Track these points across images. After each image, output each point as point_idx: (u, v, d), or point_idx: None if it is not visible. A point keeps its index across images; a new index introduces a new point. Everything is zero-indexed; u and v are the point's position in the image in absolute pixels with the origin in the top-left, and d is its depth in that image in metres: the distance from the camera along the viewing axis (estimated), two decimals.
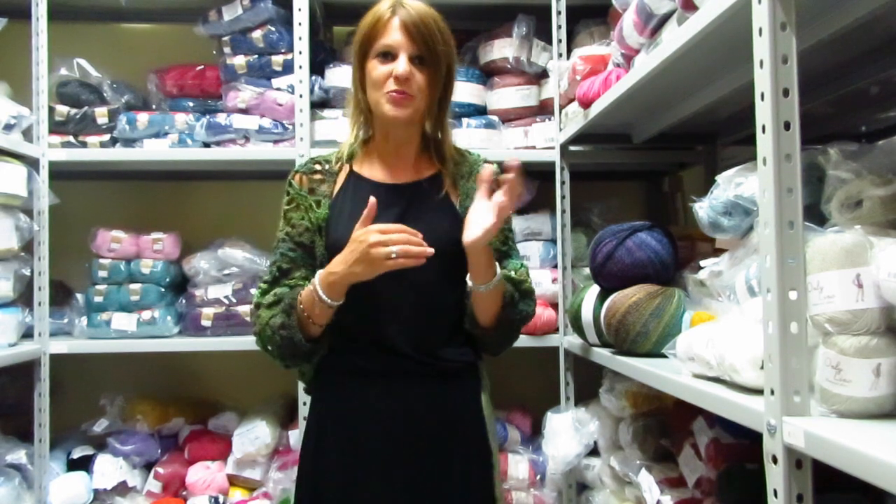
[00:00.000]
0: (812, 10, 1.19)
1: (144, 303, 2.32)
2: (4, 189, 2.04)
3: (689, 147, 2.44)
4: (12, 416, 2.33)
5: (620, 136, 2.32)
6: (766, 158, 0.95)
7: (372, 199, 1.34)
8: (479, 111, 2.42)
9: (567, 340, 2.20)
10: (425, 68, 1.44)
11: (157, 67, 2.46)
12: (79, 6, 2.52)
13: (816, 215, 1.04)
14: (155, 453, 2.38)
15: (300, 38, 2.25)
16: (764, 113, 0.96)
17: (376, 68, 1.43)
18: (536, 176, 2.45)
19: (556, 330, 2.29)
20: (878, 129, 1.75)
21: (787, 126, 0.94)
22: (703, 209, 1.35)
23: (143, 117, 2.35)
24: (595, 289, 1.84)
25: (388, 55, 1.42)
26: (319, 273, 1.40)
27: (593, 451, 2.07)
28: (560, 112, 2.25)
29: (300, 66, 2.26)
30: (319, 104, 2.37)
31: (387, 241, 1.30)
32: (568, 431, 2.04)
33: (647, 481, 1.71)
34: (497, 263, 1.45)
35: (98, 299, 2.32)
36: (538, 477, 2.32)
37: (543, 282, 2.31)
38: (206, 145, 2.36)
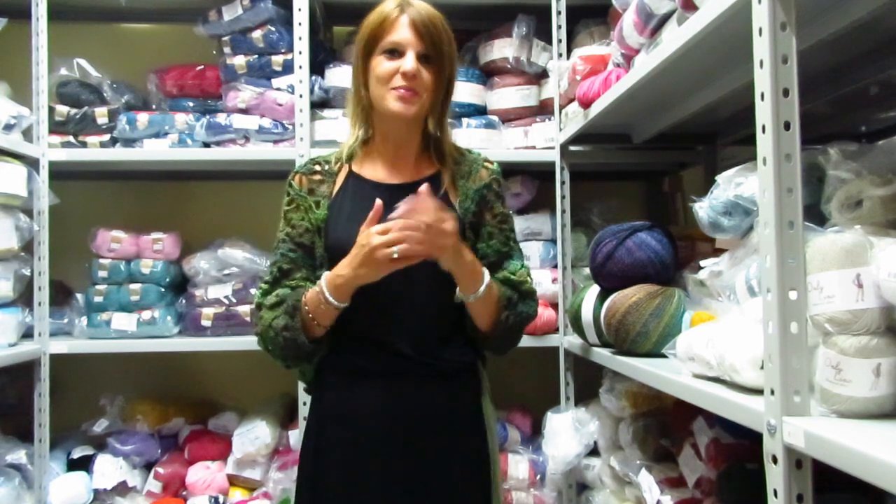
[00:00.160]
0: (812, 10, 1.19)
1: (144, 303, 2.32)
2: (4, 189, 2.04)
3: (689, 147, 2.43)
4: (12, 416, 2.33)
5: (620, 136, 2.32)
6: (766, 158, 0.95)
7: (378, 202, 1.33)
8: (479, 111, 2.42)
9: (567, 340, 2.20)
10: (431, 67, 1.44)
11: (157, 67, 2.46)
12: (79, 6, 2.52)
13: (816, 215, 1.04)
14: (155, 453, 2.38)
15: (300, 38, 2.25)
16: (764, 113, 0.96)
17: (382, 64, 1.43)
18: (536, 176, 2.46)
19: (556, 330, 2.29)
20: (878, 129, 1.75)
21: (787, 126, 0.94)
22: (703, 209, 1.35)
23: (143, 117, 2.35)
24: (595, 289, 1.84)
25: (395, 52, 1.42)
26: (326, 275, 1.40)
27: (593, 451, 2.07)
28: (560, 112, 2.25)
29: (300, 66, 2.26)
30: (319, 104, 2.37)
31: (390, 242, 1.30)
32: (568, 431, 2.04)
33: (647, 481, 1.71)
34: (486, 270, 1.43)
35: (98, 299, 2.32)
36: (538, 477, 2.32)
37: (543, 282, 2.31)
38: (206, 145, 2.36)
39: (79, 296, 2.39)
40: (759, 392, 1.00)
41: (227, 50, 2.38)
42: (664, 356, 1.42)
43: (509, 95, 2.39)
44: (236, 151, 2.34)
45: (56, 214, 2.27)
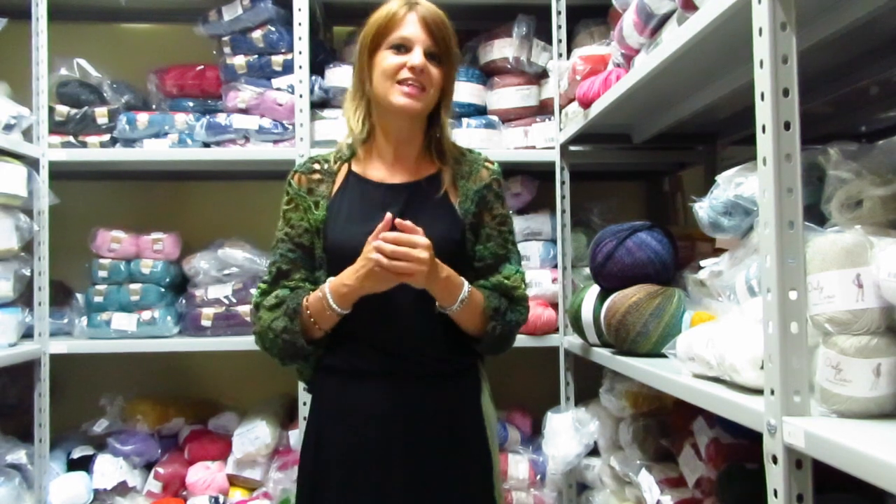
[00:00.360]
0: (812, 10, 1.19)
1: (144, 303, 2.32)
2: (4, 189, 2.04)
3: (688, 147, 2.44)
4: (12, 416, 2.33)
5: (620, 136, 2.33)
6: (766, 158, 0.95)
7: (388, 215, 1.33)
8: (479, 111, 2.42)
9: (567, 340, 2.20)
10: (437, 65, 1.44)
11: (157, 67, 2.46)
12: (79, 6, 2.52)
13: (816, 215, 1.04)
14: (155, 453, 2.38)
15: (300, 38, 2.25)
16: (764, 113, 0.96)
17: (388, 58, 1.43)
18: (536, 176, 2.46)
19: (556, 330, 2.29)
20: (878, 129, 1.75)
21: (787, 126, 0.94)
22: (703, 209, 1.35)
23: (143, 117, 2.35)
24: (595, 289, 1.84)
25: (402, 48, 1.43)
26: (330, 282, 1.40)
27: (593, 451, 2.07)
28: (560, 112, 2.25)
29: (300, 66, 2.26)
30: (319, 104, 2.37)
31: (392, 255, 1.30)
32: (568, 431, 2.04)
33: (647, 481, 1.71)
34: (465, 282, 1.42)
35: (98, 299, 2.32)
36: (538, 477, 2.32)
37: (543, 282, 2.31)
38: (206, 145, 2.36)
39: (79, 296, 2.39)
40: (759, 392, 1.00)
41: (227, 50, 2.38)
42: (664, 356, 1.42)
43: (509, 95, 2.39)
44: (236, 151, 2.34)
45: (56, 214, 2.27)
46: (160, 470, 2.33)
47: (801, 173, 0.94)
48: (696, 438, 1.55)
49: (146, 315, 2.31)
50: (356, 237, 1.40)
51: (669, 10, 1.51)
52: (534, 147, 2.36)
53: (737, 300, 1.25)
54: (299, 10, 2.24)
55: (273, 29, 2.33)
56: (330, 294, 1.38)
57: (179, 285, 2.43)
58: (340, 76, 2.34)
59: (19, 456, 2.13)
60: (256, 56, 2.35)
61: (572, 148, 2.29)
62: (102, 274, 2.34)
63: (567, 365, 2.25)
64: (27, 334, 2.22)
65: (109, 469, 2.29)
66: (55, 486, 2.24)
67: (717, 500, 1.43)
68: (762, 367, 1.01)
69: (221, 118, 2.33)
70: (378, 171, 1.52)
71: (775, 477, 0.94)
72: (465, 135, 2.31)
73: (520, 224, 2.36)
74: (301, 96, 2.26)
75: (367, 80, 1.47)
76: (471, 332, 1.47)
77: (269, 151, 2.33)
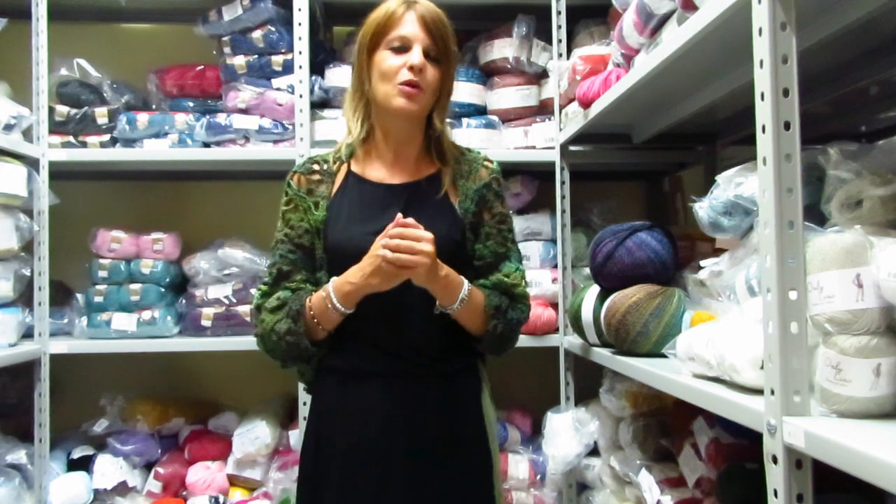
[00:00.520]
0: (812, 10, 1.19)
1: (144, 303, 2.32)
2: (4, 189, 2.04)
3: (688, 147, 2.44)
4: (12, 416, 2.33)
5: (620, 136, 2.33)
6: (766, 158, 0.95)
7: (399, 216, 1.33)
8: (479, 111, 2.42)
9: (567, 340, 2.20)
10: (436, 65, 1.44)
11: (157, 67, 2.46)
12: (79, 6, 2.52)
13: (816, 215, 1.04)
14: (155, 453, 2.38)
15: (300, 38, 2.25)
16: (764, 113, 0.96)
17: (387, 59, 1.42)
18: (536, 176, 2.46)
19: (556, 330, 2.29)
20: (878, 129, 1.75)
21: (787, 126, 0.94)
22: (703, 209, 1.35)
23: (143, 117, 2.35)
24: (595, 289, 1.84)
25: (401, 48, 1.42)
26: (334, 281, 1.40)
27: (593, 451, 2.07)
28: (560, 112, 2.25)
29: (300, 66, 2.26)
30: (319, 104, 2.37)
31: (399, 250, 1.30)
32: (568, 431, 2.04)
33: (647, 481, 1.71)
34: (465, 281, 1.42)
35: (98, 299, 2.32)
36: (538, 477, 2.32)
37: (543, 282, 2.31)
38: (206, 145, 2.36)
39: (79, 296, 2.39)
40: (759, 392, 1.00)
41: (227, 50, 2.38)
42: (664, 356, 1.42)
43: (509, 95, 2.39)
44: (236, 151, 2.34)
45: (56, 214, 2.27)
46: (160, 470, 2.33)
47: (801, 173, 0.94)
48: (696, 438, 1.55)
49: (146, 315, 2.31)
50: (357, 238, 1.40)
51: (669, 10, 1.51)
52: (534, 147, 2.36)
53: (737, 300, 1.25)
54: (299, 10, 2.24)
55: (273, 29, 2.33)
56: (333, 293, 1.38)
57: (179, 285, 2.43)
58: (340, 76, 2.34)
59: (19, 456, 2.13)
60: (256, 56, 2.35)
61: (572, 148, 2.29)
62: (102, 274, 2.34)
63: (567, 365, 2.25)
64: (27, 334, 2.22)
65: (109, 469, 2.29)
66: (55, 486, 2.24)
67: (717, 500, 1.43)
68: (762, 367, 1.01)
69: (221, 118, 2.33)
70: (378, 172, 1.52)
71: (775, 477, 0.94)
72: (465, 135, 2.31)
73: (520, 224, 2.36)
74: (301, 96, 2.26)
75: (366, 80, 1.47)
76: (473, 332, 1.47)
77: (269, 151, 2.33)
